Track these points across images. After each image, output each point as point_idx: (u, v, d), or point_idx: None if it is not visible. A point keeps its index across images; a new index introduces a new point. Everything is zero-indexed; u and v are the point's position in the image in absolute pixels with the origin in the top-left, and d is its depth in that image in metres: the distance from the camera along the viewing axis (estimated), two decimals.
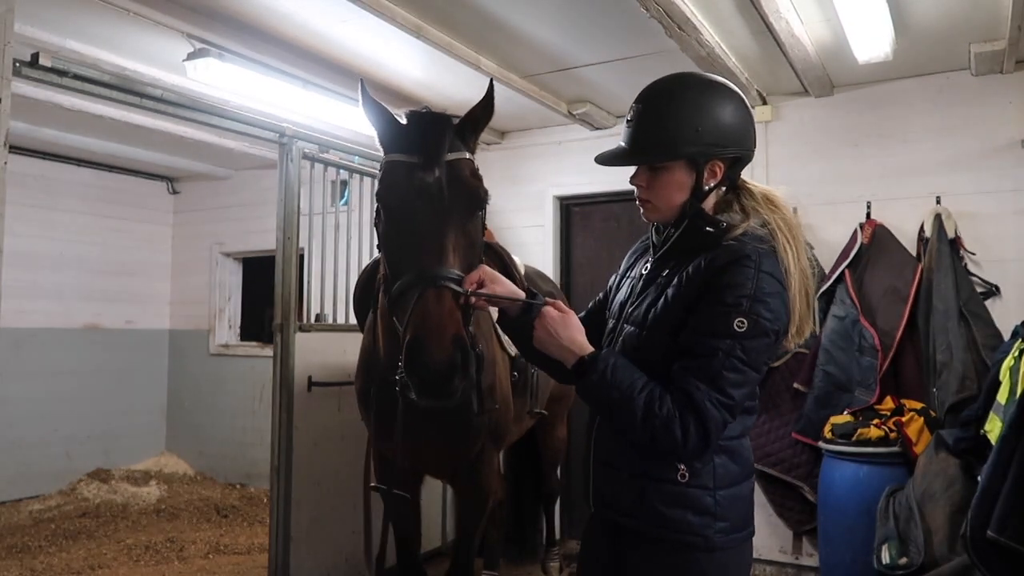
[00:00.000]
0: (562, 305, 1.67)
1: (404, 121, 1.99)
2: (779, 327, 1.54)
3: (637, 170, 1.68)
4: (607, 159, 1.69)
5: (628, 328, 1.69)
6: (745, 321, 1.48)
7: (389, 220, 1.91)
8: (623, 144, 1.68)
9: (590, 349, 1.61)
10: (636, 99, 1.67)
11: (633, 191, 1.71)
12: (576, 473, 4.92)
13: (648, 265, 1.73)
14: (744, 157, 1.65)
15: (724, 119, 1.60)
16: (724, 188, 1.69)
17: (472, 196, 1.91)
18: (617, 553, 1.70)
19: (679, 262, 1.63)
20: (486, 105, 2.03)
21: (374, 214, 2.02)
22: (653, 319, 1.62)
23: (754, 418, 1.70)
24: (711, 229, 1.59)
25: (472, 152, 2.01)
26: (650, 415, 1.48)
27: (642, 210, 1.71)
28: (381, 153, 2.03)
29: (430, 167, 1.84)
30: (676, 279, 1.60)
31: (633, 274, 1.80)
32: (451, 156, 1.90)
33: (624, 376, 1.53)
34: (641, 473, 1.61)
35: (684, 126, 1.58)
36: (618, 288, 1.86)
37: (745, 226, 1.60)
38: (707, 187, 1.63)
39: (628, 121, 1.67)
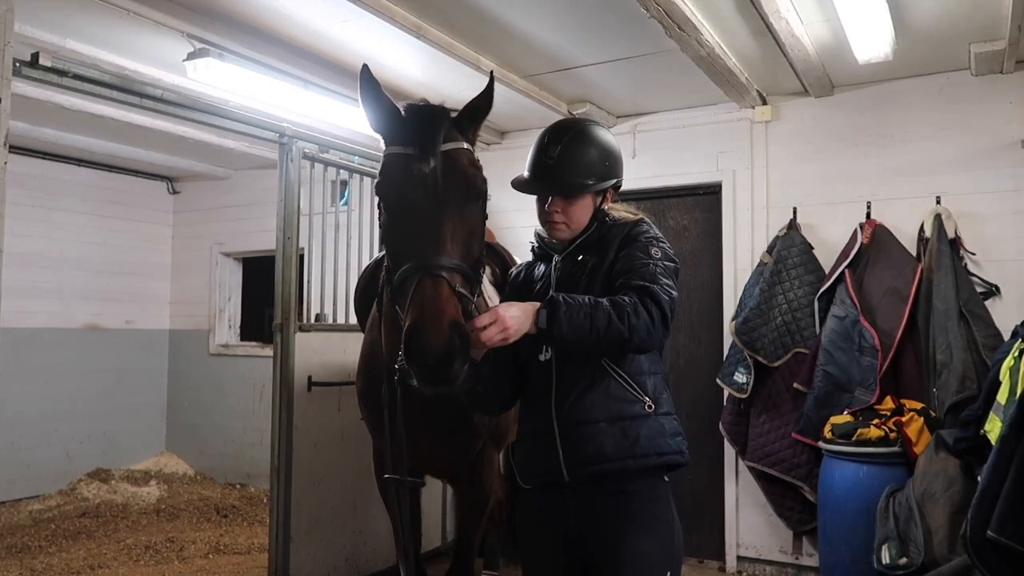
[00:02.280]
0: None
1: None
2: (676, 266, 1.95)
3: (553, 199, 1.99)
4: (532, 188, 2.00)
5: None
6: (659, 250, 1.92)
7: (388, 211, 1.93)
8: (532, 174, 2.01)
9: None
10: (551, 139, 2.01)
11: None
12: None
13: (557, 264, 2.04)
14: (620, 183, 2.09)
15: (618, 157, 2.06)
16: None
17: (469, 185, 1.91)
18: (588, 511, 1.88)
19: (591, 251, 1.99)
20: (486, 96, 2.05)
21: (376, 208, 2.03)
22: (589, 288, 1.91)
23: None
24: (608, 221, 2.02)
25: (471, 143, 2.02)
26: (618, 307, 1.74)
27: (553, 230, 2.02)
28: (381, 150, 2.04)
29: (426, 157, 1.85)
30: (596, 258, 1.97)
31: (540, 279, 2.09)
32: (448, 146, 1.91)
33: (579, 297, 1.78)
34: (616, 416, 1.87)
35: (598, 165, 2.00)
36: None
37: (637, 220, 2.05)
38: (605, 207, 2.05)
39: (550, 157, 1.98)
